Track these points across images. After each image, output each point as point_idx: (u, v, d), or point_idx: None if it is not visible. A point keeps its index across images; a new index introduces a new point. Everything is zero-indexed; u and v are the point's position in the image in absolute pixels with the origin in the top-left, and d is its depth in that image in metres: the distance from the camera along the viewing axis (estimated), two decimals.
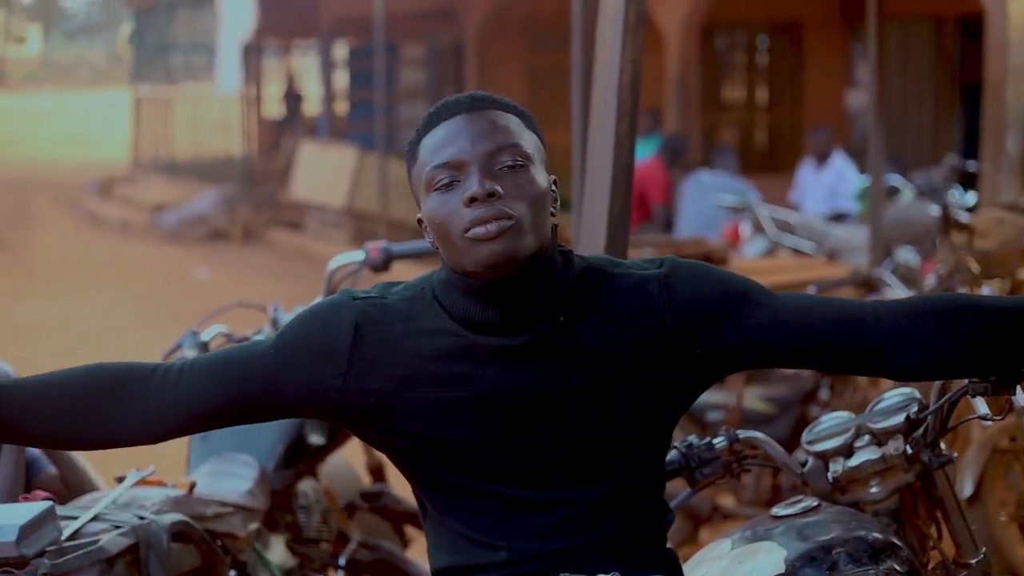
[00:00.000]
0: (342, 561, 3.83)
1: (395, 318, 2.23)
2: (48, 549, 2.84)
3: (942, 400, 2.64)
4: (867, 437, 2.77)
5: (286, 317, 4.13)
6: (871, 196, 7.09)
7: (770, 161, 16.09)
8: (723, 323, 2.21)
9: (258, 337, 4.09)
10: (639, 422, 2.24)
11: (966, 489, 4.98)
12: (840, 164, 11.17)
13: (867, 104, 14.83)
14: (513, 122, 2.22)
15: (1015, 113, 9.41)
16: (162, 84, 24.28)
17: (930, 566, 2.76)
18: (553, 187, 2.23)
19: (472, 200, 2.12)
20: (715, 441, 2.77)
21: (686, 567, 2.57)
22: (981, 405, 2.89)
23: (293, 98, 22.85)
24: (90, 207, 20.56)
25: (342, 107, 21.24)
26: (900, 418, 2.73)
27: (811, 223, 9.44)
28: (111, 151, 27.85)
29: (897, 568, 2.50)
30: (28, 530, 2.79)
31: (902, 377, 2.25)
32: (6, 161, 26.68)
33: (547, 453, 2.21)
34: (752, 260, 8.47)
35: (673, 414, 2.28)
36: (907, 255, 8.16)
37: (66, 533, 2.92)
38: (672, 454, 2.70)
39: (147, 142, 24.82)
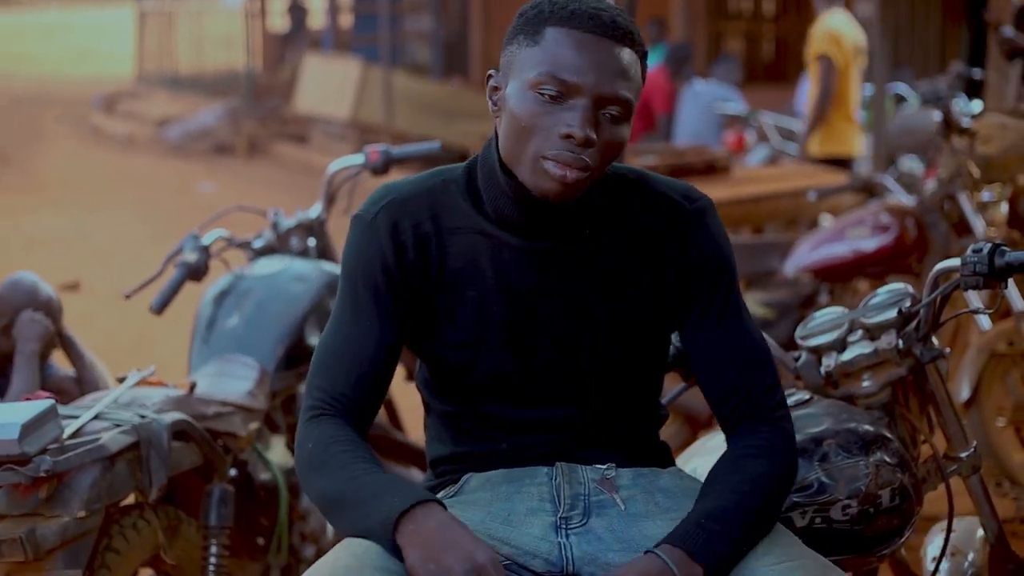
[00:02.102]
0: None
1: (422, 216, 2.25)
2: (50, 447, 2.89)
3: (934, 294, 2.66)
4: (860, 332, 2.79)
5: (287, 221, 4.15)
6: (874, 104, 7.07)
7: (776, 70, 16.04)
8: (699, 288, 2.27)
9: (257, 242, 4.11)
10: (643, 332, 2.29)
11: (963, 393, 5.00)
12: None
13: (872, 14, 14.78)
14: (635, 66, 2.18)
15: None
16: None
17: (921, 459, 2.79)
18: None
19: (567, 136, 2.12)
20: None
21: (680, 460, 2.61)
22: (974, 299, 2.92)
23: (298, 11, 22.69)
24: (95, 122, 20.50)
25: (347, 20, 21.13)
26: (893, 312, 2.75)
27: None
28: (116, 67, 27.75)
29: (887, 460, 2.53)
30: (30, 428, 2.84)
31: None
32: (12, 77, 26.60)
33: (557, 355, 2.26)
34: (755, 168, 8.46)
35: (670, 327, 2.34)
36: (911, 163, 8.14)
37: (68, 431, 2.97)
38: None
39: (151, 57, 24.73)
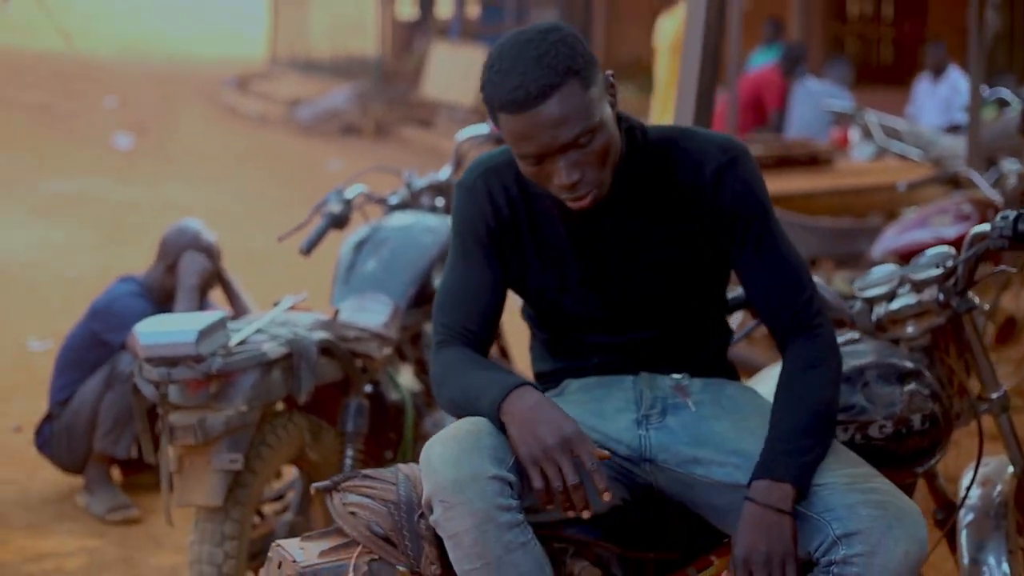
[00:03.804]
0: None
1: (511, 182, 2.72)
2: (219, 351, 3.46)
3: (967, 253, 3.11)
4: (907, 286, 3.26)
5: (419, 181, 4.70)
6: (971, 105, 7.44)
7: (893, 74, 16.29)
8: (737, 227, 2.67)
9: (393, 198, 4.66)
10: (697, 269, 2.72)
11: None
12: (955, 78, 11.43)
13: (990, 20, 14.99)
14: (576, 95, 2.45)
15: None
16: None
17: (956, 397, 3.24)
18: (610, 88, 2.58)
19: (562, 188, 2.54)
20: None
21: (749, 383, 3.09)
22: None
23: (426, 0, 23.34)
24: (229, 100, 21.25)
25: (474, 11, 21.68)
26: (936, 270, 3.21)
27: (919, 131, 9.75)
28: (248, 49, 28.56)
29: (920, 390, 2.97)
30: (204, 334, 3.41)
31: None
32: (149, 56, 27.47)
33: (629, 294, 2.71)
34: (857, 162, 8.86)
35: (724, 259, 2.73)
36: (1011, 165, 8.47)
37: (234, 340, 3.54)
38: (738, 289, 3.21)
39: (284, 40, 25.50)
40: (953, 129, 10.90)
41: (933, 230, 5.84)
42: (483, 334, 2.72)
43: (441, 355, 2.71)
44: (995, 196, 5.94)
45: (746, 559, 2.46)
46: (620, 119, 2.65)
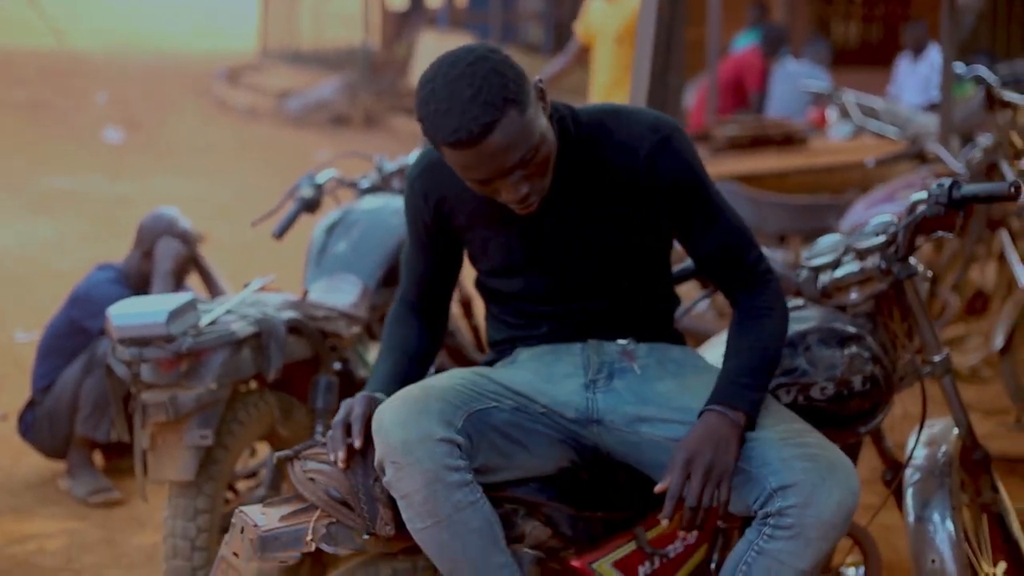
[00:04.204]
0: (431, 371, 4.51)
1: (451, 177, 2.81)
2: (189, 331, 3.57)
3: (907, 220, 3.22)
4: (852, 254, 3.37)
5: (390, 165, 4.81)
6: (943, 82, 7.56)
7: (878, 53, 16.39)
8: (679, 203, 2.78)
9: (363, 182, 4.77)
10: (638, 243, 2.83)
11: (997, 342, 5.54)
12: (935, 57, 11.51)
13: (972, 1, 15.08)
14: (515, 122, 2.52)
15: None
16: None
17: (900, 361, 3.36)
18: (540, 94, 2.65)
19: (510, 203, 2.66)
20: None
21: (698, 351, 3.20)
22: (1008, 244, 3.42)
23: None
24: (219, 93, 21.31)
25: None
26: (878, 238, 3.32)
27: (896, 110, 9.83)
28: (239, 42, 28.63)
29: (861, 354, 3.09)
30: (175, 315, 3.53)
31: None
32: (140, 51, 27.54)
33: (573, 270, 2.83)
34: (832, 141, 8.97)
35: (664, 235, 2.86)
36: (985, 141, 8.58)
37: (205, 320, 3.65)
38: (687, 262, 3.32)
39: (274, 32, 25.56)
40: (933, 107, 10.99)
41: (901, 204, 5.94)
42: (420, 303, 3.01)
43: (392, 310, 3.06)
44: (960, 169, 6.05)
45: (689, 459, 2.59)
46: (551, 113, 2.73)
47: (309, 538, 2.65)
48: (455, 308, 5.09)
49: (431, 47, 17.25)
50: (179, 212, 5.15)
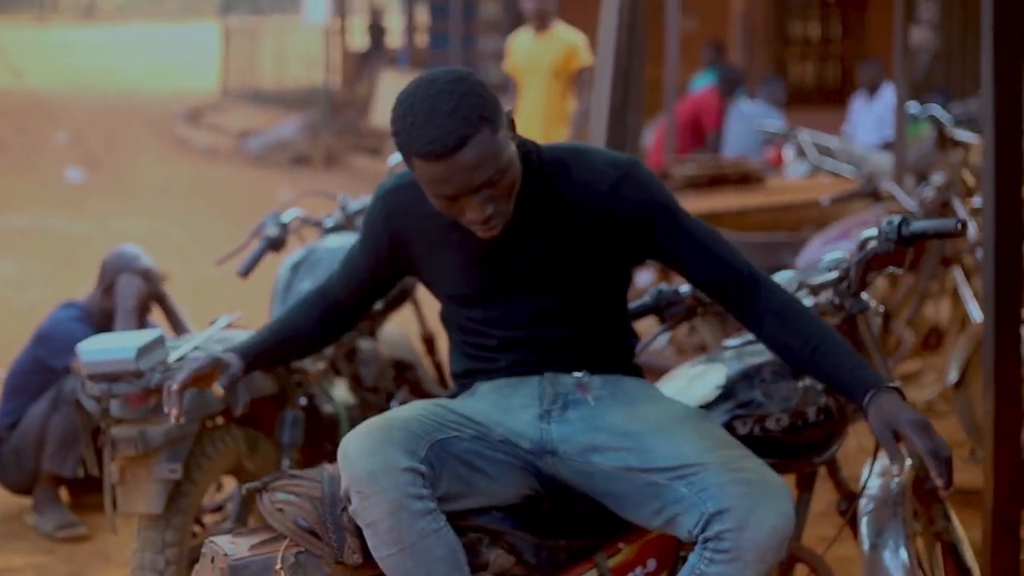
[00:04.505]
0: (394, 404, 4.58)
1: (414, 202, 2.90)
2: (158, 367, 3.63)
3: (858, 257, 3.32)
4: (805, 290, 3.47)
5: (353, 204, 4.89)
6: (897, 121, 7.71)
7: (835, 93, 16.60)
8: (652, 230, 2.87)
9: (328, 221, 4.85)
10: (591, 283, 2.92)
11: (952, 376, 5.63)
12: (889, 96, 11.69)
13: (927, 40, 15.29)
14: (487, 141, 2.64)
15: None
16: (250, 16, 25.08)
17: None
18: (511, 123, 2.76)
19: (474, 223, 2.76)
20: (681, 288, 3.48)
21: (662, 380, 3.28)
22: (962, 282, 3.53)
23: (377, 30, 23.55)
24: (180, 133, 21.39)
25: (423, 39, 21.92)
26: (831, 274, 3.42)
27: (851, 149, 10.00)
28: (199, 81, 28.72)
29: (815, 386, 3.17)
30: (144, 351, 3.58)
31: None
32: (101, 90, 27.59)
33: (533, 299, 2.91)
34: (789, 180, 9.11)
35: (621, 272, 2.96)
36: (939, 180, 8.72)
37: (173, 356, 3.71)
38: (645, 298, 3.41)
39: (235, 72, 25.68)
40: (888, 146, 11.16)
41: (854, 241, 6.02)
42: (340, 299, 3.14)
43: (308, 292, 3.22)
44: (913, 207, 6.17)
45: (935, 452, 2.66)
46: (518, 145, 2.83)
47: (278, 566, 2.71)
48: (417, 344, 5.16)
49: (392, 87, 17.36)
50: (141, 250, 5.20)
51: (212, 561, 2.74)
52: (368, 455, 2.62)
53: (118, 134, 20.87)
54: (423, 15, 21.76)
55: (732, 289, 2.91)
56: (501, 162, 2.69)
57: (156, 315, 5.43)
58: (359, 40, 24.71)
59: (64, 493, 5.32)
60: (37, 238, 11.92)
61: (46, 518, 5.07)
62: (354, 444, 2.66)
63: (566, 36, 8.80)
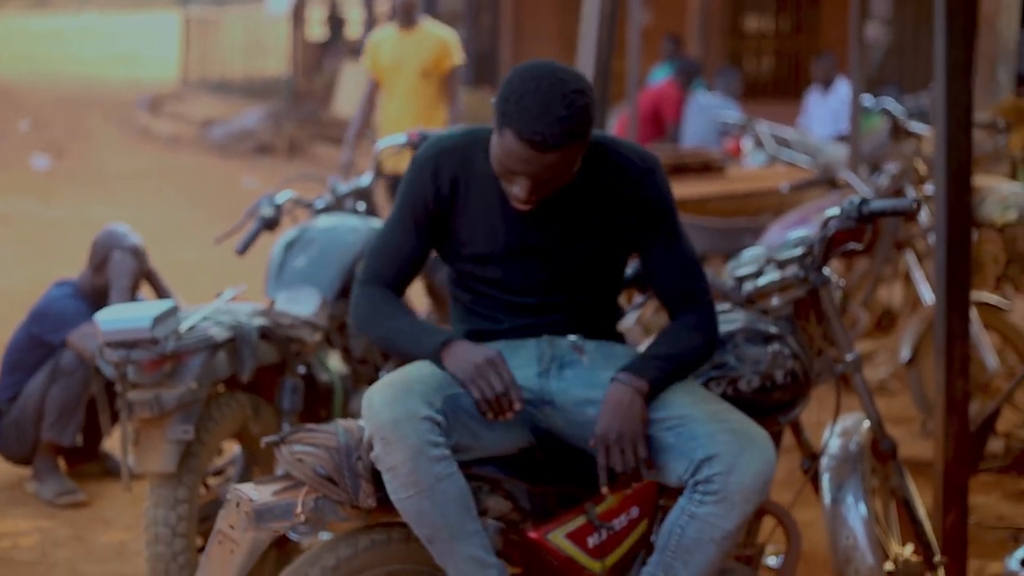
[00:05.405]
0: (382, 373, 4.85)
1: (456, 163, 3.16)
2: (171, 335, 3.90)
3: (820, 234, 3.62)
4: (773, 265, 3.76)
5: (343, 187, 5.15)
6: (852, 113, 8.03)
7: (789, 86, 16.93)
8: (651, 227, 3.18)
9: (319, 202, 5.11)
10: (600, 257, 3.22)
11: (904, 354, 5.94)
12: (844, 90, 12.01)
13: (880, 35, 15.63)
14: (574, 154, 2.97)
15: (1006, 45, 10.23)
16: (211, 6, 25.20)
17: (816, 359, 3.74)
18: None
19: (517, 197, 3.04)
20: None
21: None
22: (915, 266, 3.82)
23: (336, 21, 23.73)
24: (141, 122, 21.48)
25: None
26: (796, 250, 3.72)
27: (807, 140, 10.30)
28: (158, 71, 28.79)
29: (783, 351, 3.46)
30: (158, 320, 3.85)
31: None
32: (60, 78, 27.62)
33: (544, 266, 3.19)
34: (748, 169, 9.41)
35: (622, 254, 3.26)
36: (893, 168, 9.05)
37: (185, 326, 3.97)
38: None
39: (196, 61, 25.80)
40: (842, 139, 11.48)
41: (812, 225, 6.35)
42: (395, 284, 3.23)
43: (365, 290, 3.22)
44: (868, 194, 6.48)
45: (603, 436, 2.99)
46: None
47: (299, 510, 2.97)
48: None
49: (354, 78, 17.57)
50: (129, 228, 5.44)
51: (237, 505, 2.99)
52: (391, 404, 2.89)
53: (80, 122, 20.96)
54: (383, 6, 21.94)
55: (677, 299, 3.24)
56: (570, 170, 3.00)
57: (145, 291, 5.67)
58: (318, 31, 24.86)
59: (62, 463, 5.55)
60: (8, 223, 12.10)
61: (46, 485, 5.30)
62: (378, 395, 2.93)
63: (436, 32, 8.19)
